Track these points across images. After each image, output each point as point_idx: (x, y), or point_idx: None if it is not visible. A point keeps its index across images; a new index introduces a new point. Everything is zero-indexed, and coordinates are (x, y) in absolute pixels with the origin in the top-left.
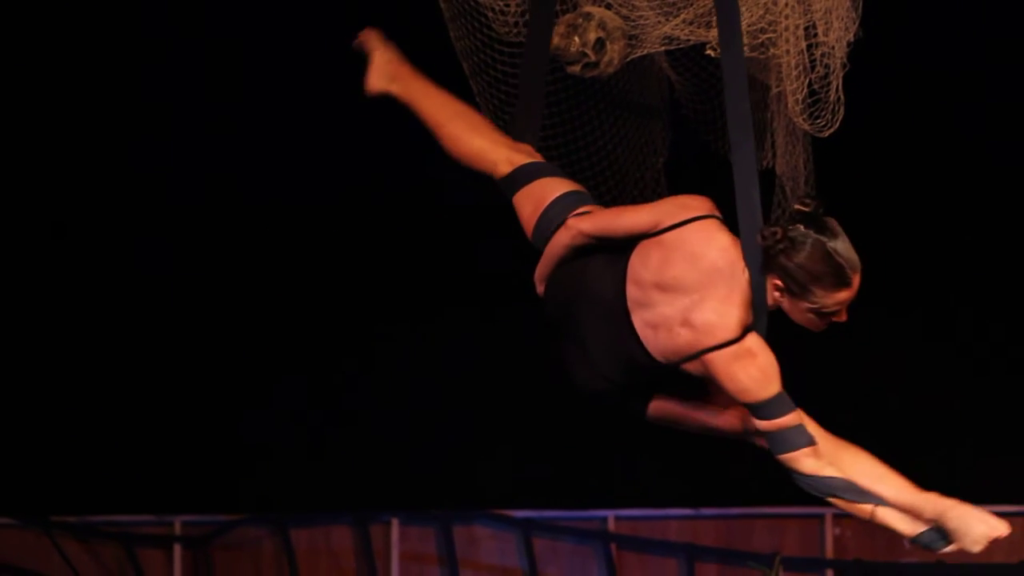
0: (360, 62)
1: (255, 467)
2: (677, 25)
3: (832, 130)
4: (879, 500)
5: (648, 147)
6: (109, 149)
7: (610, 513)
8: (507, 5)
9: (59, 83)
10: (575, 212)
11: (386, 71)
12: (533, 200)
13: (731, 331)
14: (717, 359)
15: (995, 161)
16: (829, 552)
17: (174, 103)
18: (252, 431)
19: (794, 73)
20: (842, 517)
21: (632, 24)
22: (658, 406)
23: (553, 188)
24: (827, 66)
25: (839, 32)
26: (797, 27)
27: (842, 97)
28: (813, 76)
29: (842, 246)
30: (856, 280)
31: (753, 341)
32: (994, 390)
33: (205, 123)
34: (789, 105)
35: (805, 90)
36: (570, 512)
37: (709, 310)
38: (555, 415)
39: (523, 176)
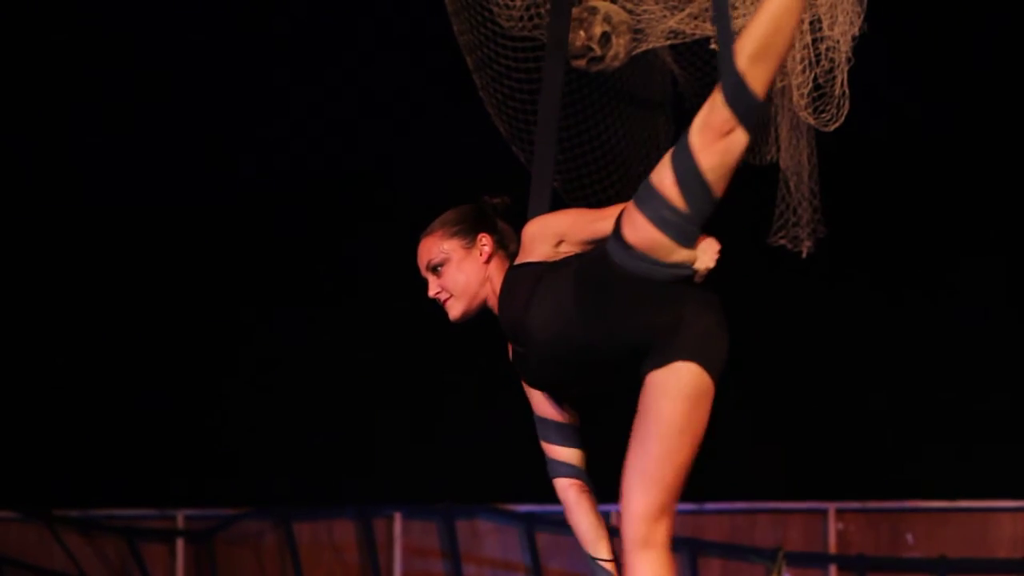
0: None
1: (257, 461)
2: (682, 20)
3: (837, 124)
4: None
5: (652, 140)
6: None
7: (613, 508)
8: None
9: None
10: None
11: None
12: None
13: None
14: None
15: (999, 155)
16: (832, 547)
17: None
18: (254, 425)
19: (799, 68)
20: (846, 512)
21: (637, 19)
22: None
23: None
24: (832, 60)
25: (844, 27)
26: (802, 22)
27: (847, 91)
28: (818, 71)
29: None
30: None
31: None
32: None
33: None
34: (794, 99)
35: (810, 84)
36: None
37: None
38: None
39: None
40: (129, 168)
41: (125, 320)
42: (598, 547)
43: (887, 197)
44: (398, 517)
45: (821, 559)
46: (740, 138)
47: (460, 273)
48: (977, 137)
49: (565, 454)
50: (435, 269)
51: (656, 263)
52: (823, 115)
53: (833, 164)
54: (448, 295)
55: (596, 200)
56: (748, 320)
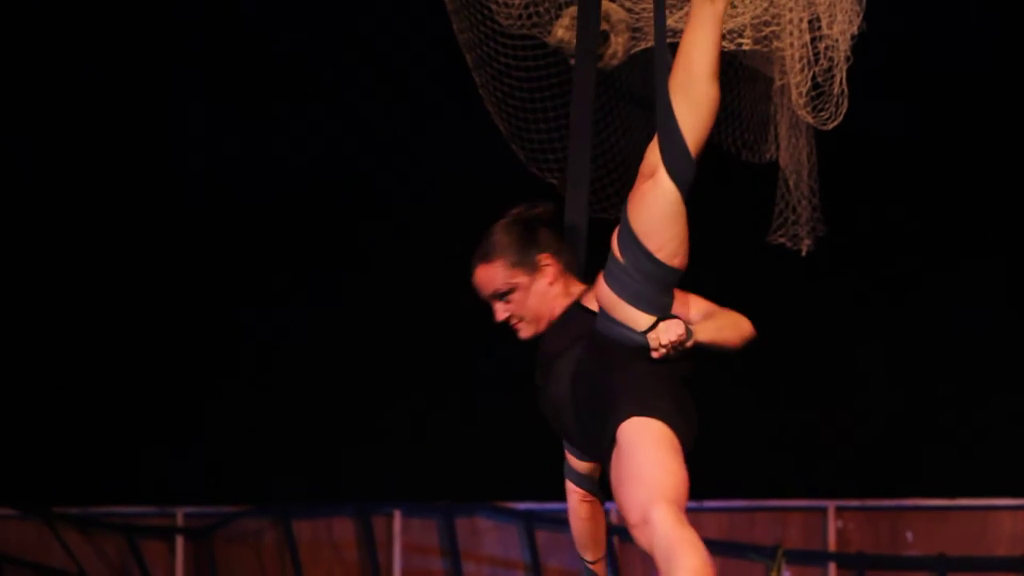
0: None
1: (257, 459)
2: (680, 18)
3: (836, 123)
4: None
5: (650, 139)
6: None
7: (612, 506)
8: None
9: None
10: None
11: None
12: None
13: None
14: None
15: (999, 153)
16: (831, 545)
17: None
18: (254, 423)
19: (798, 66)
20: (845, 510)
21: (636, 17)
22: None
23: None
24: (831, 59)
25: (843, 25)
26: (801, 20)
27: (846, 90)
28: (817, 69)
29: None
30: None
31: None
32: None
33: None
34: (793, 98)
35: (809, 83)
36: None
37: None
38: None
39: None
40: (126, 164)
41: (125, 317)
42: (586, 549)
43: (886, 196)
44: (398, 515)
45: (820, 557)
46: (661, 184)
47: (531, 299)
48: (981, 131)
49: (579, 465)
50: (502, 296)
51: (614, 323)
52: (822, 114)
53: (833, 162)
54: (519, 319)
55: (593, 198)
56: (747, 318)
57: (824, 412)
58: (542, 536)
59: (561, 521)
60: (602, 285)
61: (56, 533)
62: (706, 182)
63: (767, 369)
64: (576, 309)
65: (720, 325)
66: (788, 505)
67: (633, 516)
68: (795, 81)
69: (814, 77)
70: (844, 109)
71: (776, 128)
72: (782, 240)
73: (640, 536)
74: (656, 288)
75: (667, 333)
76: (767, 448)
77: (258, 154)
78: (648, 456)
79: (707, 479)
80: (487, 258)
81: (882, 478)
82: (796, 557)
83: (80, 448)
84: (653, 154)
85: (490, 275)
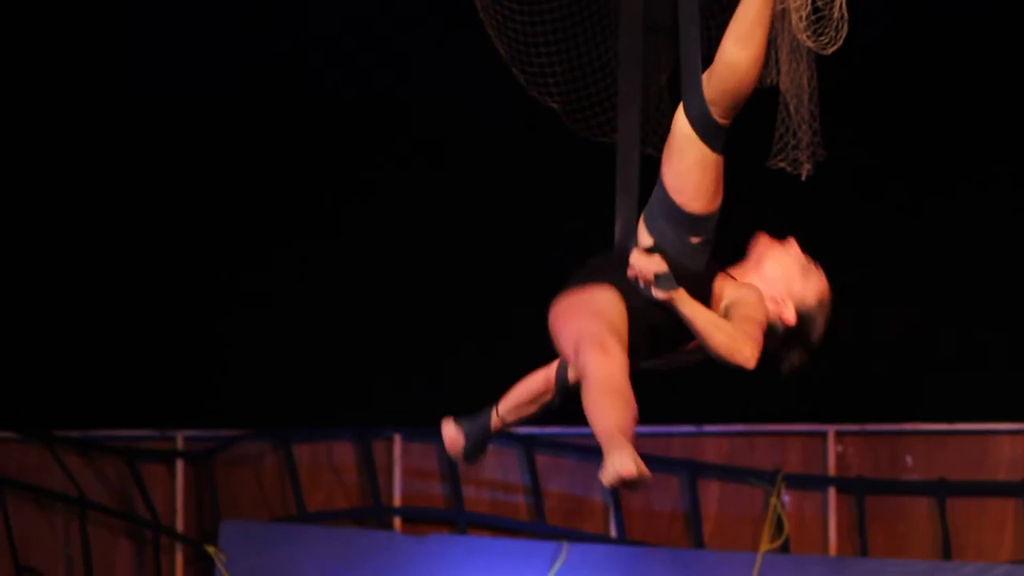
0: None
1: (257, 382)
2: None
3: (835, 47)
4: None
5: (651, 62)
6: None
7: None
8: None
9: None
10: None
11: None
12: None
13: None
14: None
15: (994, 82)
16: (831, 469)
17: None
18: (254, 347)
19: None
20: (845, 435)
21: None
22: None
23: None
24: None
25: None
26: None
27: (846, 15)
28: None
29: None
30: None
31: None
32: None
33: None
34: (793, 22)
35: (809, 7)
36: (572, 428)
37: None
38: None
39: None
40: (118, 94)
41: (125, 242)
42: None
43: (886, 119)
44: (397, 439)
45: (820, 481)
46: (678, 121)
47: None
48: (979, 60)
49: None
50: None
51: (633, 232)
52: (822, 38)
53: (833, 86)
54: None
55: (596, 121)
56: (746, 243)
57: (824, 338)
58: (542, 460)
59: (561, 445)
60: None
61: (56, 456)
62: None
63: None
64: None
65: (717, 323)
66: (788, 430)
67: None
68: (795, 5)
69: (814, 1)
70: (844, 34)
71: (776, 52)
72: (782, 164)
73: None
74: (671, 225)
75: (640, 260)
76: (767, 373)
77: (257, 83)
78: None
79: (707, 404)
80: None
81: (882, 403)
82: (796, 482)
83: (80, 372)
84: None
85: None
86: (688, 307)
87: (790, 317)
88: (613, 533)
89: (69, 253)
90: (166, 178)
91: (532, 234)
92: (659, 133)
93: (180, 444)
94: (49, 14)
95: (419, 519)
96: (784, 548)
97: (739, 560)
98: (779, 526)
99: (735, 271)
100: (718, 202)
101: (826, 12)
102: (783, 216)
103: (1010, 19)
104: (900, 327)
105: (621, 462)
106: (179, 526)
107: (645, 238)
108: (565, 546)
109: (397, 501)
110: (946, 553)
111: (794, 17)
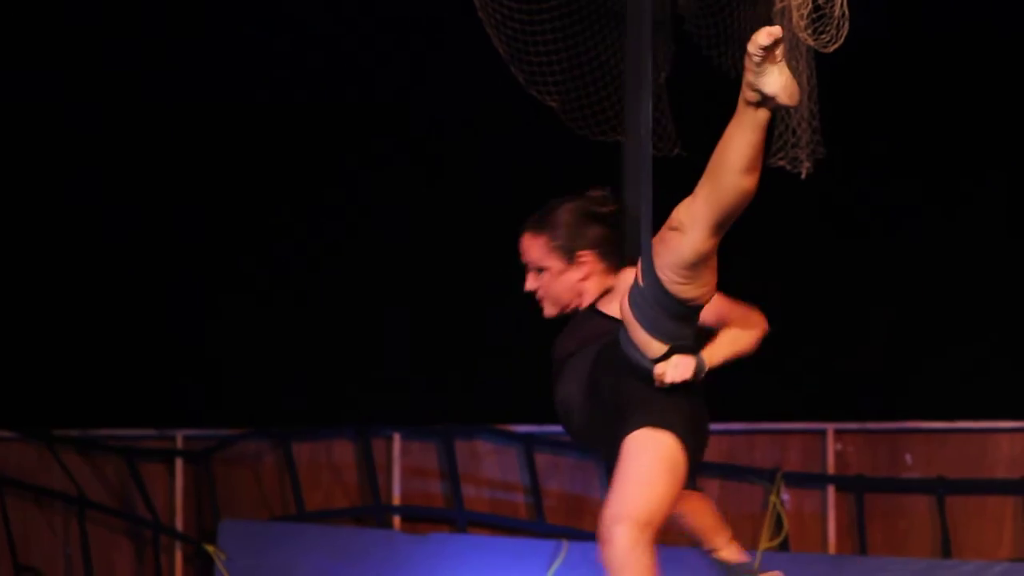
0: None
1: (257, 382)
2: None
3: (836, 46)
4: None
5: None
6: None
7: None
8: None
9: None
10: None
11: None
12: None
13: None
14: None
15: (998, 78)
16: (831, 468)
17: None
18: (253, 347)
19: None
20: (844, 433)
21: None
22: None
23: None
24: None
25: None
26: None
27: (847, 13)
28: None
29: None
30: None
31: None
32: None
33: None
34: (794, 20)
35: (810, 6)
36: None
37: None
38: (558, 331)
39: None
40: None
41: (125, 239)
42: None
43: (885, 117)
44: (397, 438)
45: (819, 479)
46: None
47: (557, 284)
48: (980, 54)
49: None
50: (536, 269)
51: (630, 344)
52: (823, 36)
53: (833, 85)
54: (542, 296)
55: (594, 120)
56: (746, 240)
57: (824, 334)
58: (541, 459)
59: (560, 444)
60: (625, 303)
61: (56, 455)
62: (705, 103)
63: (765, 291)
64: (591, 312)
65: (734, 337)
66: (787, 428)
67: (602, 528)
68: (796, 4)
69: (815, 0)
70: (845, 32)
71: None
72: (782, 163)
73: (601, 549)
74: (671, 320)
75: (675, 371)
76: (767, 372)
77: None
78: (640, 469)
79: (707, 402)
80: (535, 229)
81: (881, 401)
82: (795, 480)
83: (80, 371)
84: (680, 211)
85: (530, 245)
86: (717, 357)
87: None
88: None
89: (69, 253)
90: (166, 178)
91: None
92: (657, 132)
93: (179, 443)
94: (50, 14)
95: (418, 518)
96: (784, 546)
97: None
98: (778, 524)
99: None
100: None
101: (827, 10)
102: (781, 212)
103: (1008, 22)
104: (899, 326)
105: None
106: (178, 525)
107: (655, 346)
108: (565, 545)
109: (396, 500)
110: (945, 551)
111: (795, 15)
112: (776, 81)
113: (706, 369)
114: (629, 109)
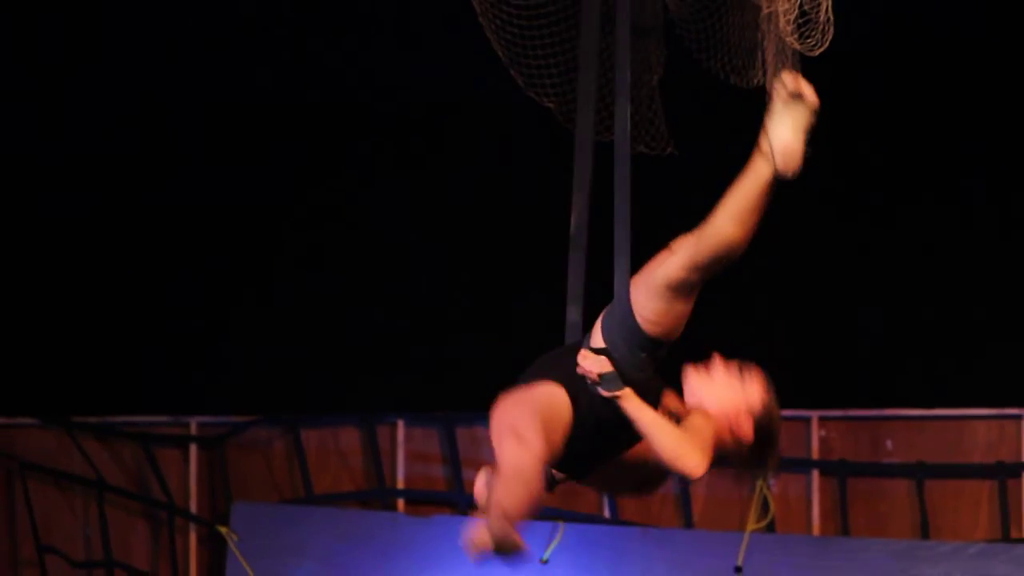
0: None
1: (267, 370)
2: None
3: (822, 49)
4: None
5: (643, 65)
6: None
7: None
8: None
9: None
10: None
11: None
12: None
13: None
14: None
15: (985, 83)
16: (815, 453)
17: None
18: (265, 337)
19: None
20: (828, 420)
21: None
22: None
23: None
24: None
25: None
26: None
27: (831, 17)
28: None
29: None
30: None
31: None
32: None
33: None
34: (780, 25)
35: (796, 11)
36: None
37: None
38: (555, 320)
39: None
40: (135, 69)
41: (141, 230)
42: None
43: (871, 119)
44: (401, 424)
45: (804, 464)
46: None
47: None
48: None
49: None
50: None
51: (587, 335)
52: (808, 40)
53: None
54: None
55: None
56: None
57: (809, 325)
58: None
59: None
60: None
61: (75, 441)
62: (696, 106)
63: (751, 283)
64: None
65: (663, 425)
66: None
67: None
68: (783, 8)
69: (801, 5)
70: (830, 36)
71: (763, 54)
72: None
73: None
74: (623, 335)
75: (587, 360)
76: (755, 361)
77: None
78: (517, 394)
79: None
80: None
81: (863, 390)
82: (781, 465)
83: (98, 361)
84: (680, 239)
85: None
86: (634, 406)
87: (747, 431)
88: (607, 514)
89: (88, 246)
90: (178, 170)
91: (532, 227)
92: (650, 132)
93: (193, 430)
94: (52, 15)
95: (421, 501)
96: (770, 528)
97: (727, 539)
98: (765, 507)
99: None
100: (676, 335)
101: (813, 15)
102: (770, 208)
103: (1002, 27)
104: (881, 318)
105: (493, 535)
106: (193, 507)
107: (597, 339)
108: (561, 526)
109: (400, 483)
110: (924, 532)
111: (781, 20)
112: (784, 136)
113: (616, 393)
114: (580, 107)
